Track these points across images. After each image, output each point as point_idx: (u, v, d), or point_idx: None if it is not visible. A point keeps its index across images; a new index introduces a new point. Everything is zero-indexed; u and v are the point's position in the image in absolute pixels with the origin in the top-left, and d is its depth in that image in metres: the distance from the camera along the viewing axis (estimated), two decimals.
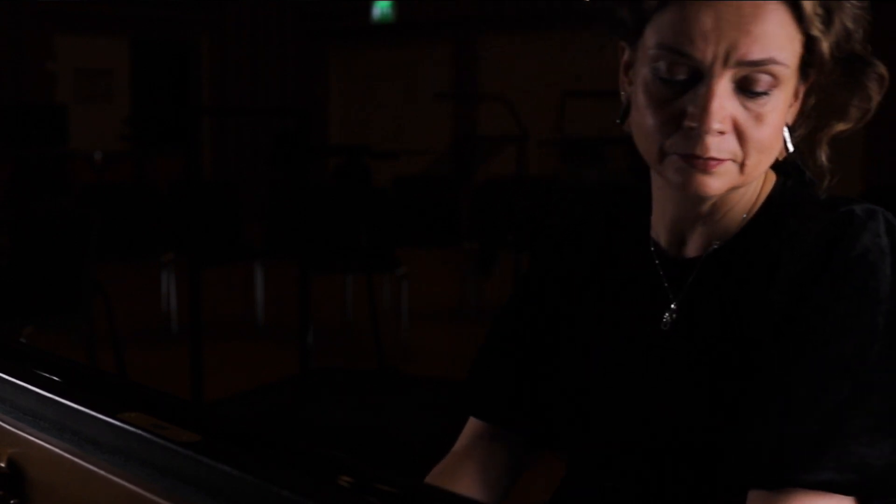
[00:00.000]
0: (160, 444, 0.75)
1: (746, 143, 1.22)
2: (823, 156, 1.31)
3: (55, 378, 0.89)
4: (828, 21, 1.21)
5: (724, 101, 1.20)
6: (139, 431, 0.76)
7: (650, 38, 1.25)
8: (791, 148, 1.29)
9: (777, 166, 1.33)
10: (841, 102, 1.29)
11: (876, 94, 1.29)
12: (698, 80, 1.21)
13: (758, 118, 1.21)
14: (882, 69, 1.28)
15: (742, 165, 1.23)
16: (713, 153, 1.21)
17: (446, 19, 13.26)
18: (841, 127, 1.30)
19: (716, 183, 1.24)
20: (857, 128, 1.31)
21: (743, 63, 1.19)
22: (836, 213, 1.24)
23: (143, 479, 0.75)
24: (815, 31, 1.21)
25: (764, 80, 1.20)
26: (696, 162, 1.22)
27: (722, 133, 1.21)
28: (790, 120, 1.28)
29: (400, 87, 13.94)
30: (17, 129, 12.06)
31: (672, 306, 1.33)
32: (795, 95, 1.26)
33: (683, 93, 1.22)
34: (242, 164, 13.98)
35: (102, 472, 0.78)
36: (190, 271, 4.86)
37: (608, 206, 1.47)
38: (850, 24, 1.23)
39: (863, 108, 1.29)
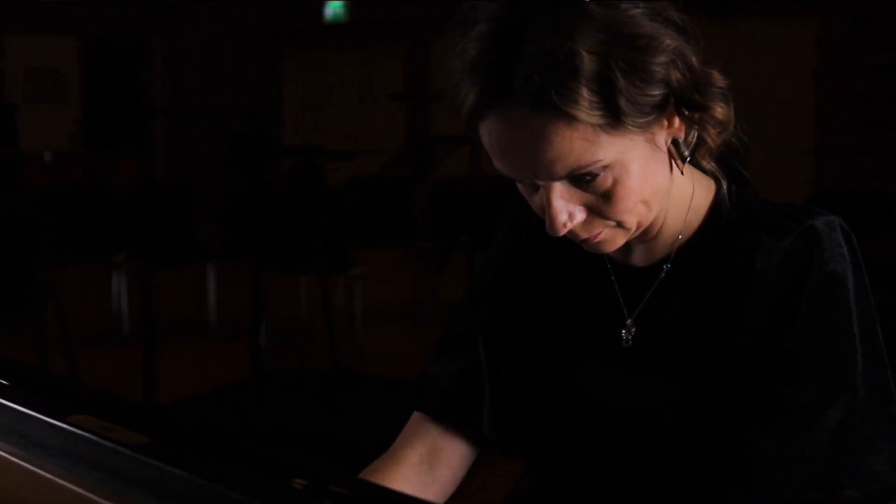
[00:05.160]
0: (109, 447, 0.74)
1: (608, 215, 1.21)
2: (707, 165, 1.28)
3: (2, 381, 0.87)
4: (608, 106, 1.12)
5: (565, 202, 1.19)
6: (88, 434, 0.75)
7: None
8: (687, 156, 1.24)
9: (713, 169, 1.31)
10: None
11: (714, 137, 1.24)
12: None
13: (605, 195, 1.19)
14: (719, 112, 1.21)
15: (621, 226, 1.22)
16: (584, 235, 1.23)
17: (400, 20, 13.24)
18: (711, 142, 1.25)
19: (608, 245, 1.25)
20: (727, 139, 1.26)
21: (553, 179, 1.18)
22: (801, 227, 1.22)
23: (92, 482, 0.73)
24: (601, 121, 1.13)
25: (590, 170, 1.17)
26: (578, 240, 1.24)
27: (581, 218, 1.21)
28: (680, 135, 1.22)
29: (354, 87, 13.90)
30: None
31: (628, 322, 1.32)
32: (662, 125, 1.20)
33: (535, 188, 1.22)
34: (197, 165, 13.89)
35: (50, 476, 0.76)
36: (143, 272, 4.81)
37: None
38: (651, 89, 1.14)
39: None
